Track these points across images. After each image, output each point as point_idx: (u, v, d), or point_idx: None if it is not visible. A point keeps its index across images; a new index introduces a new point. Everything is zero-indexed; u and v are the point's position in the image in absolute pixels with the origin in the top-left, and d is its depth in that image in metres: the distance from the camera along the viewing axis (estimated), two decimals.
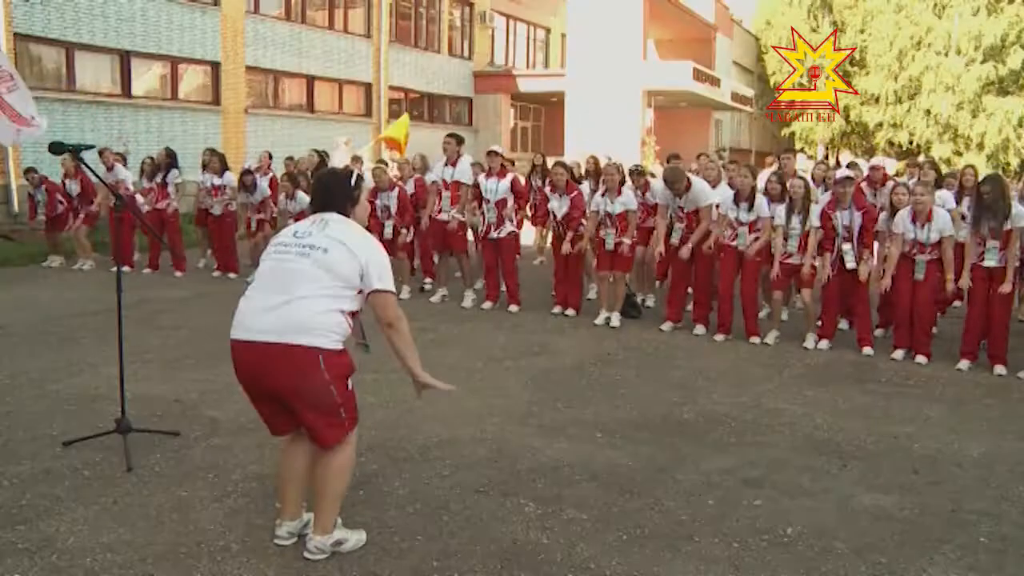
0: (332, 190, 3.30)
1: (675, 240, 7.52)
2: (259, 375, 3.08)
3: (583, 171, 9.56)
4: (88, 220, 10.59)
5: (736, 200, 7.22)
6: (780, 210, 7.05)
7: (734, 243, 7.21)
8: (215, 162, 10.16)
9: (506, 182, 8.25)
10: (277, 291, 3.06)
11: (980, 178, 7.23)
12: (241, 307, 3.14)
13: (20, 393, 5.28)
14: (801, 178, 7.22)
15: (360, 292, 3.13)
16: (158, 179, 10.29)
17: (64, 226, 10.75)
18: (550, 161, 8.87)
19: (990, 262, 6.40)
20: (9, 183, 13.09)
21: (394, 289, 3.22)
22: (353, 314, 3.16)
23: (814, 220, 6.90)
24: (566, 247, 7.82)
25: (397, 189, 8.73)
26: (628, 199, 7.63)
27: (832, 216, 6.85)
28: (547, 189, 8.24)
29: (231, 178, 10.11)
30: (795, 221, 6.98)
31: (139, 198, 10.36)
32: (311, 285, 3.04)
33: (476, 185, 8.40)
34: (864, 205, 6.88)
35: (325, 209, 3.25)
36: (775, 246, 7.05)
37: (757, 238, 7.11)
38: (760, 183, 7.46)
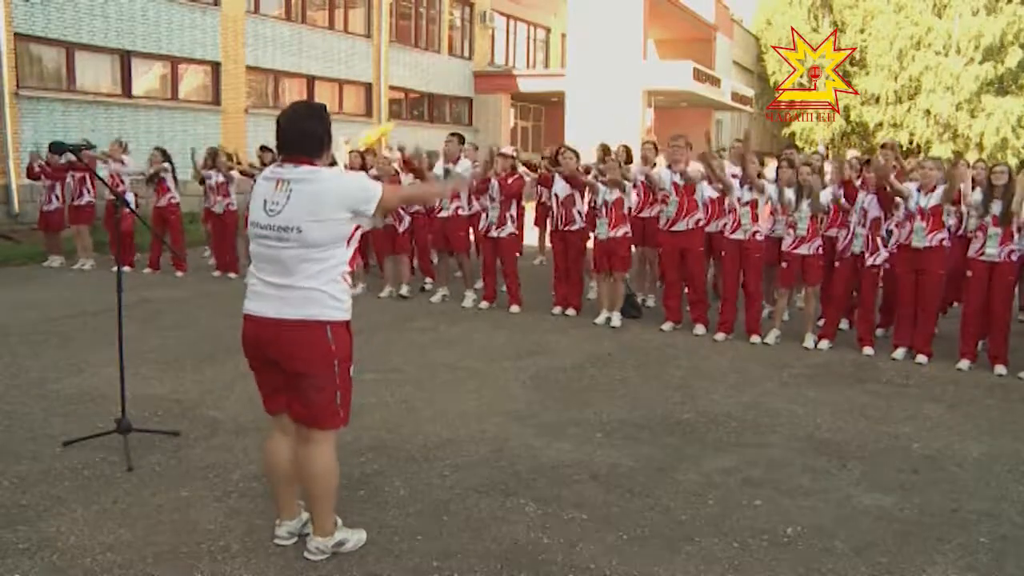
0: (308, 128, 3.08)
1: (671, 212, 7.55)
2: (264, 345, 3.10)
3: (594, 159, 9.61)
4: (85, 218, 10.58)
5: (741, 183, 7.19)
6: (789, 193, 7.05)
7: (735, 234, 7.17)
8: (222, 159, 10.17)
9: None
10: (279, 274, 3.05)
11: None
12: (251, 283, 3.16)
13: (20, 393, 5.28)
14: (809, 164, 7.22)
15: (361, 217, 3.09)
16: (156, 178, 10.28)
17: (60, 225, 10.76)
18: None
19: (990, 249, 6.39)
20: (9, 183, 13.09)
21: (380, 189, 3.10)
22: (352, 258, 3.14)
23: (826, 198, 6.93)
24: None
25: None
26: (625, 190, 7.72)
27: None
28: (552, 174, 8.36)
29: (234, 175, 10.12)
30: (804, 205, 6.96)
31: (130, 196, 10.33)
32: (307, 267, 3.02)
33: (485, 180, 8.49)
34: (878, 191, 6.86)
35: (297, 150, 3.07)
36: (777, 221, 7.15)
37: (757, 231, 7.11)
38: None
